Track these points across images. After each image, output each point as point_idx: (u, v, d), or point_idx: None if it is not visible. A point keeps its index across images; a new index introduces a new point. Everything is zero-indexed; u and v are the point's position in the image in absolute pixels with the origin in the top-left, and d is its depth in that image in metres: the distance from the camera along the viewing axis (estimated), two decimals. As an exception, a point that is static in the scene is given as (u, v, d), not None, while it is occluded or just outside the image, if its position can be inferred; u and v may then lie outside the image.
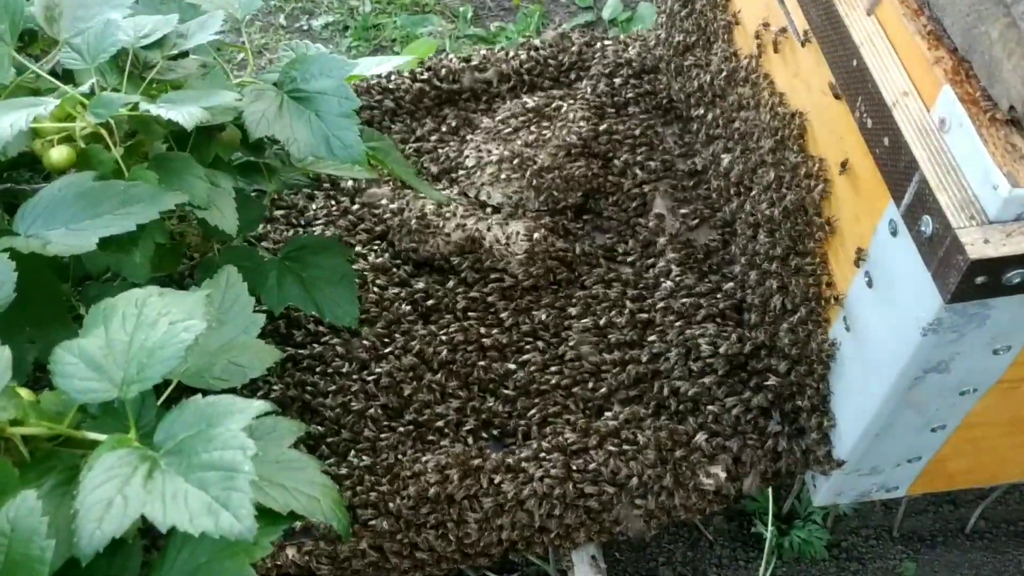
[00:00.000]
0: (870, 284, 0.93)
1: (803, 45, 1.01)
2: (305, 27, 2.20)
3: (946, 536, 1.50)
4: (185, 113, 0.78)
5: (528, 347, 1.22)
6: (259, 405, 0.58)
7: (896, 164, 0.80)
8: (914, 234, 0.79)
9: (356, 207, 1.37)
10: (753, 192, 1.15)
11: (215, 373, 0.71)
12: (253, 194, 1.13)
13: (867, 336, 0.95)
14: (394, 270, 1.30)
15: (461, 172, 1.41)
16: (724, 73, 1.23)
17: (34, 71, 0.82)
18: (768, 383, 1.12)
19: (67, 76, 0.91)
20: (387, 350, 1.20)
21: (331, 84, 0.95)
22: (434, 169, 1.42)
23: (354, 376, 1.18)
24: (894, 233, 0.86)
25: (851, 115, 0.89)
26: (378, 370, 1.18)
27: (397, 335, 1.22)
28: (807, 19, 0.97)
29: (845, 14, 0.87)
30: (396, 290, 1.27)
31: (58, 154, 0.80)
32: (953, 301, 0.75)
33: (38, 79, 0.89)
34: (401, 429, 1.14)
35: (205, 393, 0.61)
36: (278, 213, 1.34)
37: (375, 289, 1.27)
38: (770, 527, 1.45)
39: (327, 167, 1.08)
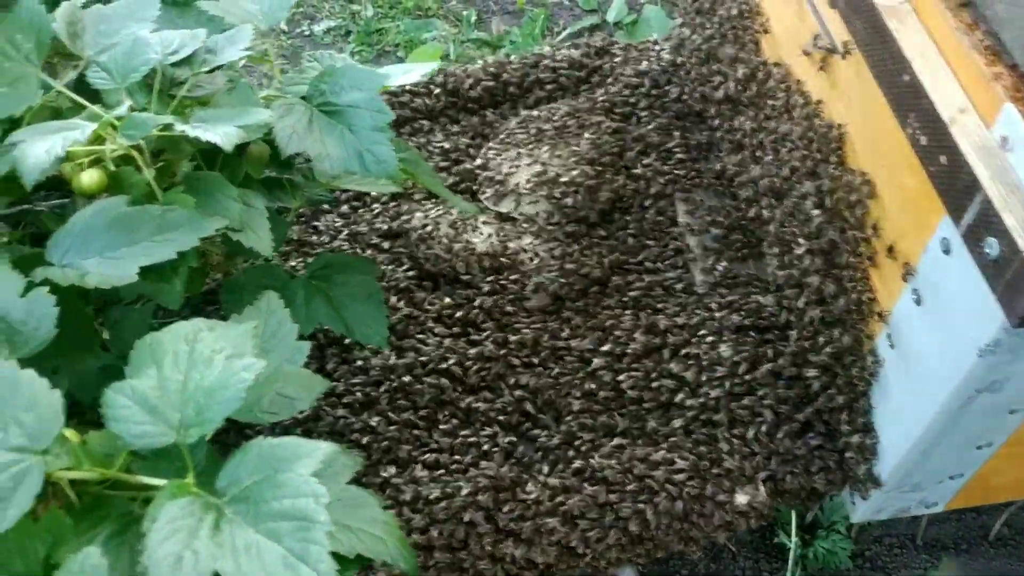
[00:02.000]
0: (918, 302, 0.91)
1: (843, 57, 0.99)
2: (307, 32, 2.16)
3: (970, 544, 1.49)
4: (222, 134, 0.75)
5: (556, 366, 1.19)
6: (326, 448, 0.56)
7: (954, 183, 0.78)
8: (976, 255, 0.77)
9: (379, 220, 1.34)
10: (786, 202, 1.13)
11: (263, 407, 0.68)
12: (277, 211, 1.10)
13: (914, 354, 0.93)
14: (417, 285, 1.27)
15: (481, 183, 1.38)
16: (751, 82, 1.21)
17: (60, 91, 0.78)
18: (806, 399, 1.10)
19: (90, 93, 0.88)
20: (413, 368, 1.17)
21: (363, 97, 0.92)
22: (452, 180, 1.39)
23: (381, 396, 1.15)
24: (947, 251, 0.84)
25: (900, 131, 0.87)
26: (404, 388, 1.15)
27: (423, 353, 1.19)
28: (850, 31, 0.95)
29: (895, 28, 0.85)
30: (420, 306, 1.24)
31: (89, 178, 0.76)
32: (1021, 325, 0.73)
33: (59, 96, 0.86)
34: (429, 453, 1.11)
35: (254, 428, 0.58)
36: (297, 227, 1.31)
37: (399, 305, 1.24)
38: (794, 538, 1.44)
39: (352, 182, 1.05)
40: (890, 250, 0.96)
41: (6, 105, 0.74)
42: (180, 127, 0.75)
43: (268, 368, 0.73)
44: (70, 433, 0.62)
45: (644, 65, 1.45)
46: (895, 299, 0.96)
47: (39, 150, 0.67)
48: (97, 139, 0.79)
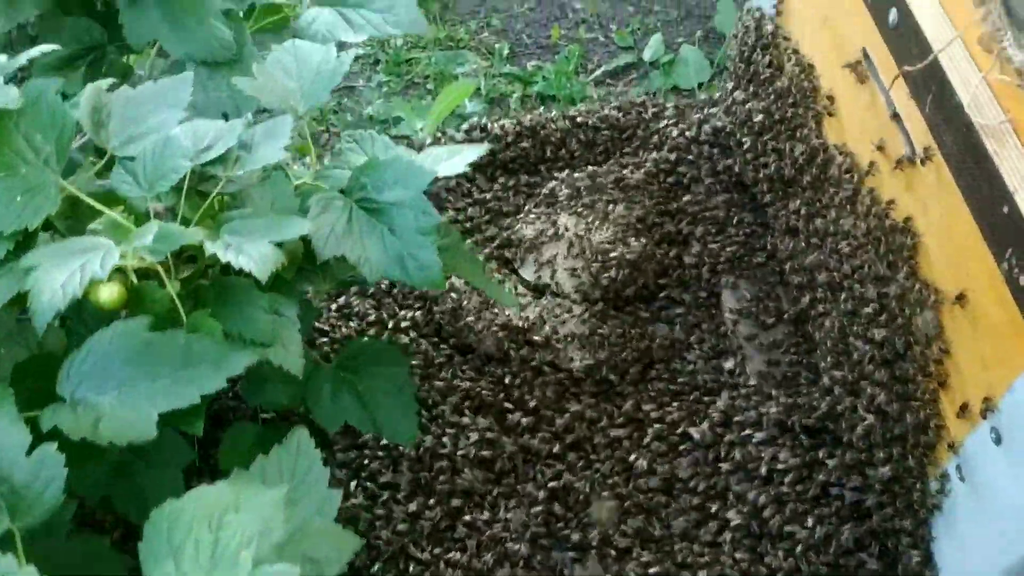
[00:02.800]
0: (998, 441, 0.84)
1: (922, 164, 0.92)
2: (333, 60, 2.09)
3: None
4: (257, 257, 0.68)
5: (591, 458, 1.12)
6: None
7: (1059, 336, 0.71)
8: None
9: (403, 294, 1.27)
10: (845, 301, 1.06)
11: None
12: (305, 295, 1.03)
13: (990, 494, 0.86)
14: (447, 360, 1.20)
15: (517, 250, 1.31)
16: (810, 165, 1.14)
17: (81, 199, 0.71)
18: (859, 515, 1.03)
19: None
20: (436, 454, 1.11)
21: (408, 196, 0.85)
22: (487, 248, 1.32)
23: (399, 483, 1.09)
24: (1039, 398, 0.77)
25: (991, 258, 0.80)
26: (427, 477, 1.09)
27: (446, 438, 1.13)
28: (936, 140, 0.87)
29: (993, 151, 0.78)
30: (447, 384, 1.17)
31: (108, 293, 0.70)
32: None
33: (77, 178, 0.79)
34: (453, 550, 1.04)
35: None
36: (322, 303, 1.24)
37: (416, 382, 1.17)
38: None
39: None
40: (965, 376, 0.88)
41: (22, 217, 0.67)
42: (210, 248, 0.68)
43: (294, 521, 0.66)
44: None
45: (692, 131, 1.37)
46: (968, 431, 0.88)
47: (55, 283, 0.60)
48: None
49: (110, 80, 0.80)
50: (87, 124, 0.76)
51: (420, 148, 1.51)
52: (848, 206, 1.06)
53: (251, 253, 0.68)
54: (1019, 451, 0.81)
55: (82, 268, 0.62)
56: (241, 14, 1.14)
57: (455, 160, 0.97)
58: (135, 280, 0.72)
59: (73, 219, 0.73)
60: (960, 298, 0.86)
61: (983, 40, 0.80)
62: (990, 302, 0.83)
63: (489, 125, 1.40)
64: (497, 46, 2.12)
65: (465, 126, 1.43)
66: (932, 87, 0.85)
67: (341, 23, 1.09)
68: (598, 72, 2.07)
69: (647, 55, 2.10)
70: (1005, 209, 0.76)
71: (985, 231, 0.80)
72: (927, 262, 0.94)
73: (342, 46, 1.00)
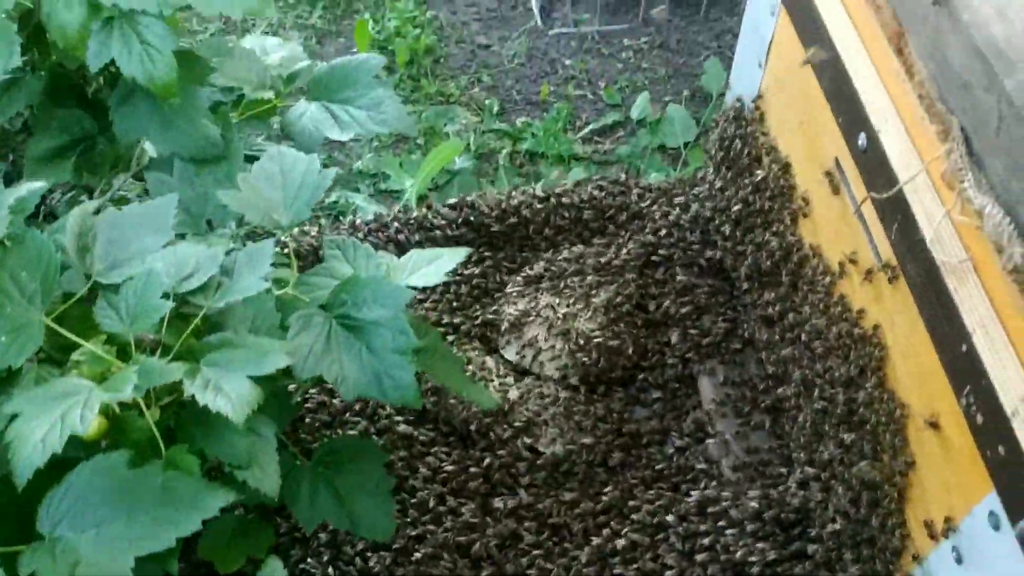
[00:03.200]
0: (959, 561, 0.86)
1: (889, 282, 0.94)
2: (324, 114, 2.11)
3: None
4: (235, 398, 0.70)
5: (567, 544, 1.14)
6: None
7: (1016, 479, 0.73)
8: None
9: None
10: (817, 400, 1.08)
11: None
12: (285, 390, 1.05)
13: (952, 611, 0.88)
14: (427, 442, 1.22)
15: (500, 330, 1.33)
16: (786, 261, 1.16)
17: (63, 334, 0.73)
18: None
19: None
20: (416, 537, 1.12)
21: (386, 315, 0.87)
22: (468, 326, 1.34)
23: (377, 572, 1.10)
24: (996, 527, 0.79)
25: (952, 393, 0.82)
26: (402, 561, 1.10)
27: (426, 521, 1.15)
28: (903, 272, 0.90)
29: (953, 288, 0.80)
30: (426, 466, 1.19)
31: (89, 425, 0.71)
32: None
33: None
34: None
35: None
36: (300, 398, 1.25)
37: (399, 465, 1.19)
38: None
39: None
40: (927, 492, 0.91)
41: (6, 357, 0.69)
42: (189, 388, 0.70)
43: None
44: None
45: (674, 215, 1.40)
46: (931, 547, 0.91)
47: (35, 436, 0.62)
48: (100, 378, 0.74)
49: (96, 203, 0.82)
50: (72, 249, 0.78)
51: (406, 211, 1.54)
52: (821, 306, 1.08)
53: (229, 393, 0.70)
54: (978, 570, 0.83)
55: (63, 418, 0.64)
56: (228, 104, 1.16)
57: (436, 266, 0.99)
58: (116, 409, 0.74)
59: (55, 347, 0.75)
60: (934, 425, 0.88)
61: (946, 176, 0.83)
62: (951, 426, 0.85)
63: (475, 203, 1.42)
64: (487, 102, 2.15)
65: (451, 201, 1.45)
66: (898, 216, 0.87)
67: (328, 119, 1.12)
68: (586, 130, 2.10)
69: (634, 113, 2.13)
70: (964, 348, 0.78)
71: (945, 364, 0.82)
72: (894, 375, 0.96)
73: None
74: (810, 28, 1.04)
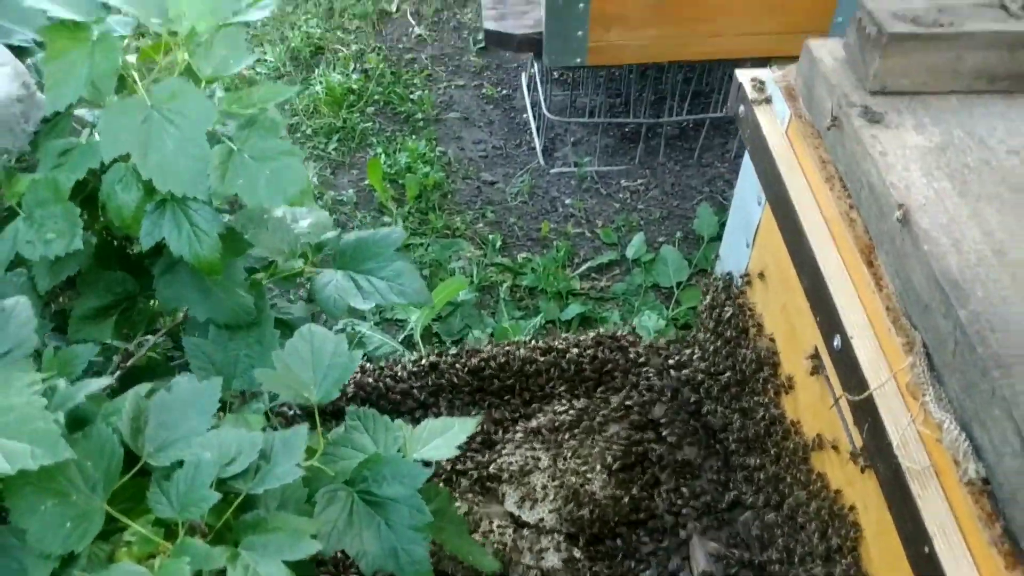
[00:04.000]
0: None
1: (862, 471, 1.03)
2: (336, 245, 2.23)
3: None
4: (272, 585, 0.78)
5: None
6: None
7: None
8: None
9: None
10: (799, 565, 1.15)
11: None
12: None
13: None
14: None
15: (500, 481, 1.41)
16: (770, 433, 1.25)
17: (119, 518, 0.81)
18: None
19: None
20: None
21: (403, 492, 0.95)
22: (470, 476, 1.42)
23: None
24: None
25: (918, 586, 0.90)
26: None
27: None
28: (872, 465, 0.99)
29: (917, 493, 0.89)
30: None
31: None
32: None
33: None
34: None
35: None
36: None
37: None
38: None
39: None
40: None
41: (68, 542, 0.76)
42: (231, 574, 0.77)
43: None
44: None
45: (668, 376, 1.49)
46: None
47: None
48: (147, 557, 0.82)
49: (148, 385, 0.91)
50: (126, 432, 0.87)
51: (417, 358, 1.63)
52: (802, 480, 1.17)
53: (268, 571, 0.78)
54: None
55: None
56: (259, 269, 1.26)
57: (448, 438, 1.08)
58: (160, 586, 0.81)
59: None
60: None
61: (911, 387, 0.93)
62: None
63: (482, 352, 1.51)
64: (491, 237, 2.27)
65: (458, 350, 1.54)
66: (868, 419, 0.97)
67: (352, 288, 1.22)
68: (583, 267, 2.22)
69: (630, 253, 2.26)
70: (926, 549, 0.87)
71: (911, 561, 0.91)
72: (868, 557, 1.04)
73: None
74: (790, 227, 1.16)
